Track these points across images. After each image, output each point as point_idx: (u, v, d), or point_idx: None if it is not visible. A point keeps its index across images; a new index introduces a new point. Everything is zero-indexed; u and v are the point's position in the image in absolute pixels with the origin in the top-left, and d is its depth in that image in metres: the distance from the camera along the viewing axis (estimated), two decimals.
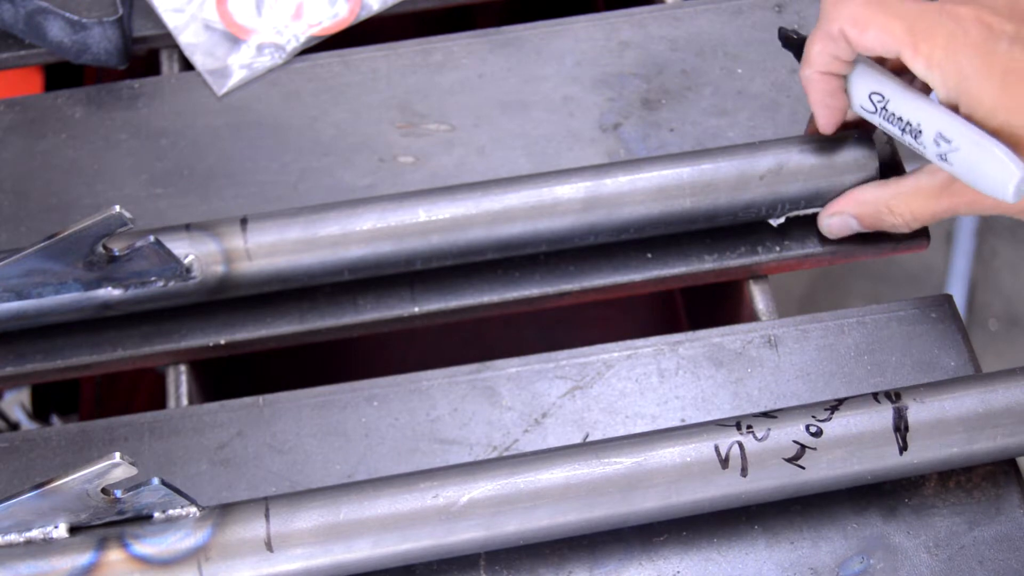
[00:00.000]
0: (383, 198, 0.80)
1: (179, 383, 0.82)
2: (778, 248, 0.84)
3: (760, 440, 0.71)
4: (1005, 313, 1.94)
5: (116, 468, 0.65)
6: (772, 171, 0.81)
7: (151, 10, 0.94)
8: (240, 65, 0.92)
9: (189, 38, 0.93)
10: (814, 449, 0.71)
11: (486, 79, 0.92)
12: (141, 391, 1.07)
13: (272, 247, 0.79)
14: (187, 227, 0.79)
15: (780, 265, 0.84)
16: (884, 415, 0.71)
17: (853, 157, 0.81)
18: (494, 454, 0.77)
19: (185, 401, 0.82)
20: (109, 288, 0.78)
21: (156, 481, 0.67)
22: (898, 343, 0.80)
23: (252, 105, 0.91)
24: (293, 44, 0.93)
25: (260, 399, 0.79)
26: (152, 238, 0.75)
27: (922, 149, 0.74)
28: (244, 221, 0.79)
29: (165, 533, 0.68)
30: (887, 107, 0.76)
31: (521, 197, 0.80)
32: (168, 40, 0.94)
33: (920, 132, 0.74)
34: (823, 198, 0.82)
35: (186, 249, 0.78)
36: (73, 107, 0.92)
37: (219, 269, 0.79)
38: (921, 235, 0.84)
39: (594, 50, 0.93)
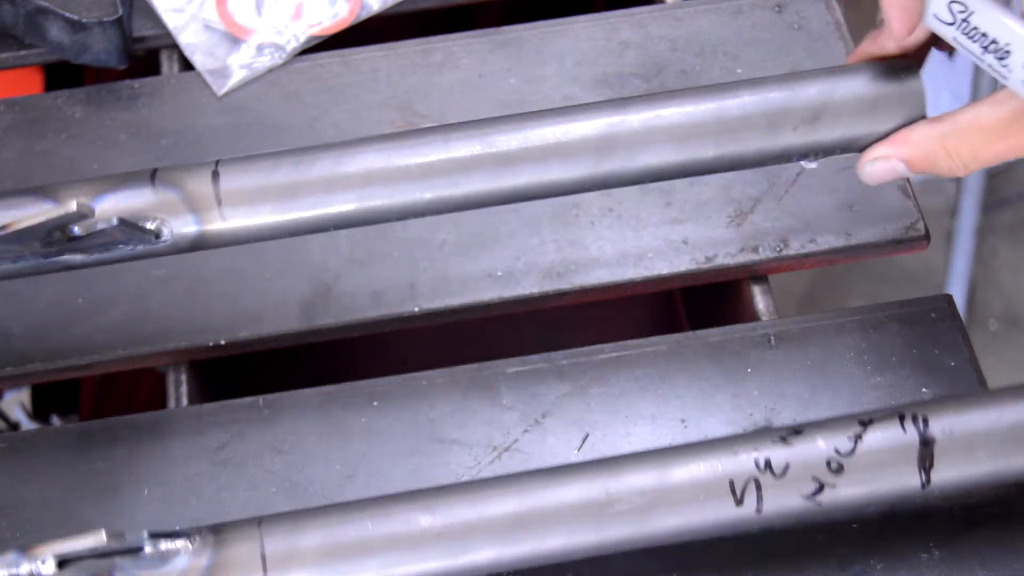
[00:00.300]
0: (373, 139, 0.72)
1: (179, 383, 0.82)
2: (778, 248, 0.84)
3: (778, 477, 0.66)
4: (1005, 313, 1.94)
5: (101, 540, 0.62)
6: (808, 113, 0.72)
7: (151, 10, 0.94)
8: (240, 65, 0.92)
9: (189, 38, 0.93)
10: (833, 487, 0.66)
11: (486, 79, 0.92)
12: (141, 391, 1.07)
13: (249, 198, 0.70)
14: (152, 177, 0.71)
15: (780, 265, 0.84)
16: (910, 449, 0.67)
17: (900, 91, 0.72)
18: (494, 454, 0.77)
19: (185, 401, 0.82)
20: (73, 255, 0.71)
21: (145, 535, 0.64)
22: (898, 343, 0.80)
23: (252, 105, 0.91)
24: (293, 44, 0.93)
25: (260, 399, 0.79)
26: (116, 220, 0.68)
27: (1006, 73, 0.66)
28: (216, 173, 0.71)
29: (157, 569, 0.64)
30: (969, 19, 0.67)
31: (526, 138, 0.71)
32: (168, 40, 0.94)
33: (1008, 52, 0.66)
34: (862, 141, 0.72)
35: (151, 202, 0.70)
36: (73, 107, 0.92)
37: (191, 230, 0.70)
38: (921, 235, 0.84)
39: (594, 50, 0.93)
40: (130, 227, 0.69)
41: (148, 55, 0.96)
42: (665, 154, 0.71)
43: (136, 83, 0.92)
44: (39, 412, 1.35)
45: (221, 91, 0.92)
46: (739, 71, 0.91)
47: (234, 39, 0.93)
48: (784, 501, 0.66)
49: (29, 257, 0.71)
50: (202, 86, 0.92)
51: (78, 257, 0.71)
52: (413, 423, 0.78)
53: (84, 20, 0.90)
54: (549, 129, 0.71)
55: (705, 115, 0.71)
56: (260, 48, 0.93)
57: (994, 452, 0.67)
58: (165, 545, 0.66)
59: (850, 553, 0.73)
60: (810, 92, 0.72)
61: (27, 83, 1.14)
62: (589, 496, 0.67)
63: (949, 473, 0.67)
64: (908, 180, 0.87)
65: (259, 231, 0.71)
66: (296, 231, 0.71)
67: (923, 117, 0.73)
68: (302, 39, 0.94)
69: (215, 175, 0.70)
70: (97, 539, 0.61)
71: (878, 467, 0.67)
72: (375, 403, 0.79)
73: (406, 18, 0.98)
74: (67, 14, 0.90)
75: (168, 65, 0.95)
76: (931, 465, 0.67)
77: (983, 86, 1.86)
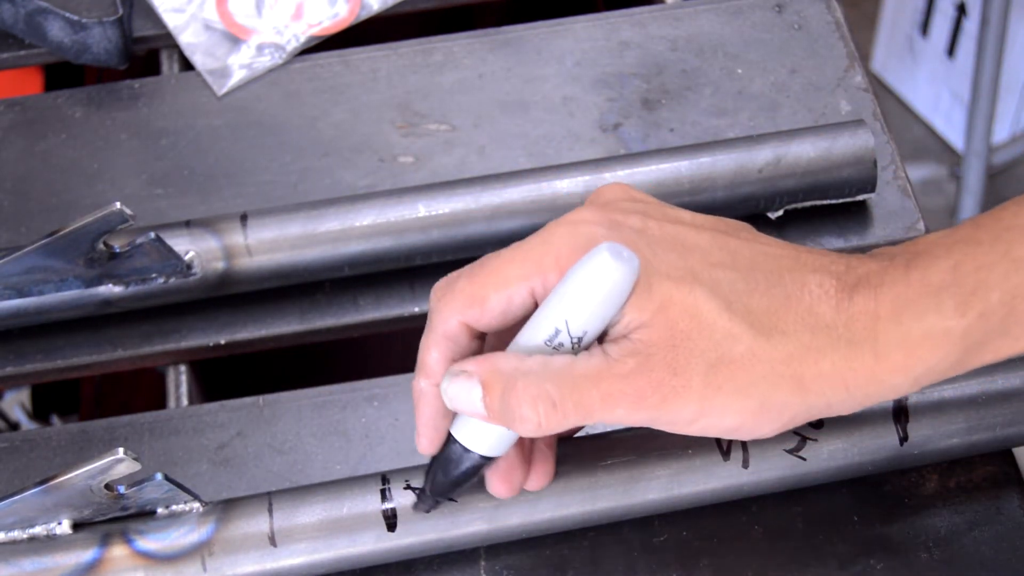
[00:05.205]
0: (383, 193, 0.81)
1: (179, 383, 0.82)
2: None
3: None
4: None
5: (119, 464, 0.65)
6: (770, 164, 0.81)
7: (151, 10, 0.94)
8: (240, 65, 0.92)
9: (189, 38, 0.93)
10: (815, 440, 0.71)
11: (486, 79, 0.92)
12: (141, 391, 1.07)
13: (272, 243, 0.79)
14: (187, 224, 0.79)
15: None
16: (884, 406, 0.72)
17: (852, 149, 0.81)
18: None
19: (185, 401, 0.82)
20: (110, 285, 0.78)
21: (159, 476, 0.67)
22: None
23: (252, 105, 0.91)
24: (293, 44, 0.94)
25: (260, 399, 0.79)
26: (152, 234, 0.75)
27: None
28: (244, 217, 0.79)
29: (168, 528, 0.68)
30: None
31: (520, 192, 0.80)
32: (168, 40, 0.94)
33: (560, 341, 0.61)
34: (821, 191, 0.82)
35: (186, 246, 0.78)
36: (73, 107, 0.92)
37: (219, 265, 0.79)
38: (921, 235, 0.84)
39: (594, 50, 0.93)
40: (165, 248, 0.76)
41: (148, 55, 0.96)
42: None
43: (136, 83, 0.92)
44: (39, 412, 1.35)
45: (221, 91, 0.92)
46: (739, 71, 0.92)
47: (234, 39, 0.93)
48: (769, 455, 0.71)
49: (72, 282, 0.78)
50: (202, 86, 0.92)
51: (116, 290, 0.79)
52: (413, 423, 0.78)
53: (84, 20, 0.90)
54: (535, 185, 0.80)
55: (679, 165, 0.81)
56: (260, 48, 0.93)
57: (964, 408, 0.72)
58: (177, 507, 0.69)
59: (850, 553, 0.73)
60: (774, 148, 0.81)
61: (27, 83, 1.14)
62: (581, 462, 0.70)
63: (924, 429, 0.72)
64: (908, 180, 0.87)
65: (281, 270, 0.80)
66: (314, 271, 0.81)
67: (874, 163, 0.81)
68: (302, 39, 0.94)
69: (244, 222, 0.79)
70: (114, 456, 0.65)
71: (856, 421, 0.71)
72: (375, 403, 0.79)
73: (406, 18, 0.98)
74: (67, 14, 0.90)
75: (168, 65, 0.95)
76: (906, 419, 0.72)
77: (984, 87, 1.86)
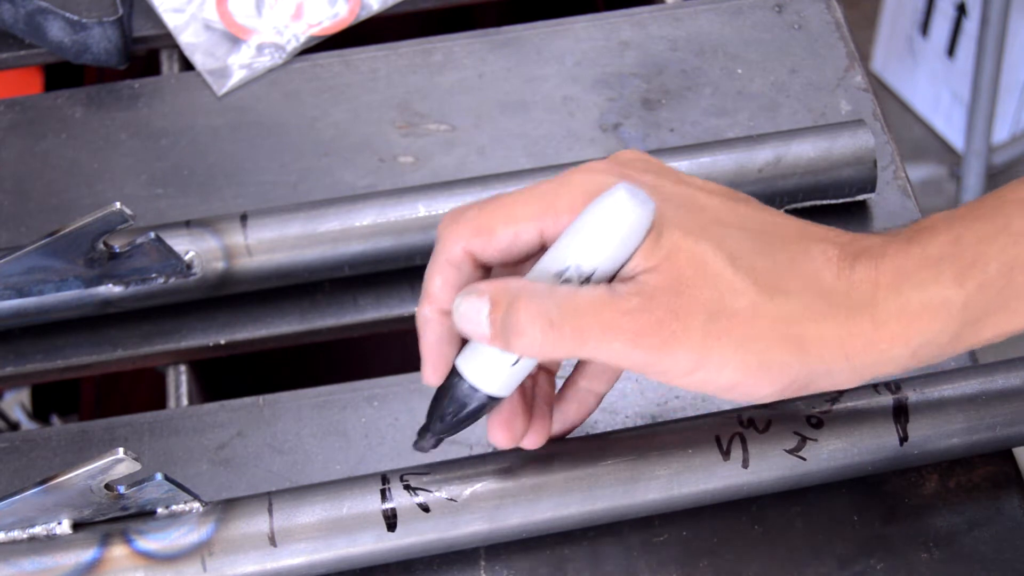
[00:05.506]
0: (383, 193, 0.81)
1: (179, 383, 0.82)
2: None
3: (761, 432, 0.71)
4: None
5: (119, 464, 0.65)
6: (770, 164, 0.81)
7: (151, 10, 0.94)
8: (240, 65, 0.92)
9: (189, 38, 0.93)
10: (815, 440, 0.71)
11: (486, 79, 0.92)
12: (141, 391, 1.07)
13: (272, 243, 0.79)
14: (187, 224, 0.79)
15: None
16: (884, 406, 0.72)
17: (852, 149, 0.82)
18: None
19: (185, 401, 0.82)
20: (110, 285, 0.78)
21: (159, 476, 0.67)
22: None
23: (252, 105, 0.91)
24: (293, 44, 0.94)
25: (260, 399, 0.79)
26: (152, 234, 0.75)
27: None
28: (244, 217, 0.79)
29: (168, 528, 0.68)
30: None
31: None
32: (168, 40, 0.94)
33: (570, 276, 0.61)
34: (821, 191, 0.82)
35: (186, 246, 0.78)
36: (73, 107, 0.92)
37: (220, 265, 0.79)
38: None
39: (594, 50, 0.93)
40: (165, 248, 0.77)
41: (148, 55, 0.96)
42: None
43: (136, 83, 0.92)
44: (39, 412, 1.35)
45: (221, 91, 0.92)
46: (739, 71, 0.92)
47: (234, 39, 0.93)
48: (769, 455, 0.71)
49: (72, 282, 0.78)
50: (202, 86, 0.92)
51: (116, 290, 0.79)
52: (413, 423, 0.78)
53: (84, 20, 0.90)
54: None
55: (678, 165, 0.80)
56: (260, 48, 0.93)
57: (964, 408, 0.72)
58: (177, 507, 0.69)
59: (850, 553, 0.73)
60: (774, 148, 0.81)
61: (27, 83, 1.14)
62: (581, 462, 0.71)
63: (924, 429, 0.72)
64: (908, 180, 0.87)
65: (281, 269, 0.80)
66: (314, 271, 0.81)
67: (874, 163, 0.81)
68: (302, 39, 0.94)
69: (244, 222, 0.79)
70: (114, 456, 0.65)
71: (856, 421, 0.71)
72: (375, 403, 0.79)
73: (406, 18, 0.98)
74: (67, 14, 0.90)
75: (168, 65, 0.95)
76: (906, 420, 0.72)
77: (984, 87, 1.86)
